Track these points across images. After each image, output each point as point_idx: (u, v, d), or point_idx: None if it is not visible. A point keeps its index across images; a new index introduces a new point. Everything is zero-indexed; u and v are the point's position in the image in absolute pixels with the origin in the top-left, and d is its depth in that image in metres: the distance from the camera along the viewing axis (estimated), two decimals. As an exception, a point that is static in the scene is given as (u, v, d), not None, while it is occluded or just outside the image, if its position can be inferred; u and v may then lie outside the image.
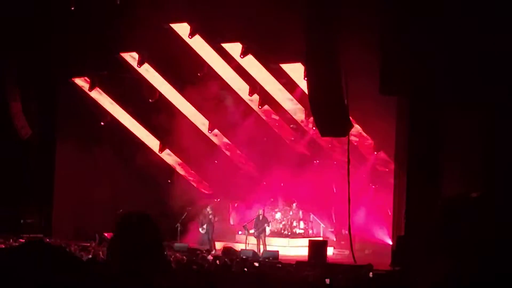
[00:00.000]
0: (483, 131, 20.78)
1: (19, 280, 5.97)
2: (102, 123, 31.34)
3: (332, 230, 30.45)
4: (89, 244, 24.57)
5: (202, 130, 31.43)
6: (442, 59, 21.12)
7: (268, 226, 28.35)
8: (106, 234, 28.22)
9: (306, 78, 23.95)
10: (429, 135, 22.47)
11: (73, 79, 30.31)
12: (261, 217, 27.88)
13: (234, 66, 28.25)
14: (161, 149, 32.27)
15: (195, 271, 18.36)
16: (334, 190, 30.08)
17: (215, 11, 25.61)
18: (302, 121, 29.60)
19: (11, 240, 25.20)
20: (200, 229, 29.18)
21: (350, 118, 23.34)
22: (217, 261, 21.05)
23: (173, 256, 21.95)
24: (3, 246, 23.01)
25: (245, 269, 19.18)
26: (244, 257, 24.45)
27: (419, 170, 22.82)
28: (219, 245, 28.54)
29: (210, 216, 29.14)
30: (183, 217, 30.12)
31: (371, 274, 19.92)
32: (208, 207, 29.54)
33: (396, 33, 21.93)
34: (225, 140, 31.72)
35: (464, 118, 21.20)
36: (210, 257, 22.93)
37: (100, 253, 21.64)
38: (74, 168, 31.00)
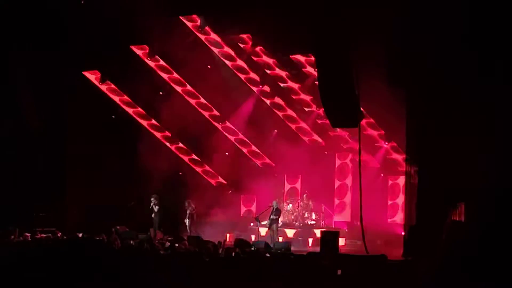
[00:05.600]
0: (494, 121, 20.82)
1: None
2: (113, 116, 31.38)
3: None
4: (102, 238, 24.59)
5: (213, 123, 31.45)
6: (449, 51, 21.24)
7: (280, 217, 28.36)
8: (119, 227, 28.33)
9: (316, 69, 23.96)
10: (438, 124, 22.52)
11: (84, 72, 30.34)
12: (273, 208, 27.89)
13: (244, 57, 28.28)
14: (172, 142, 32.31)
15: (207, 262, 18.46)
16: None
17: (225, 3, 25.62)
18: (313, 112, 29.60)
19: (25, 234, 25.30)
20: (185, 221, 29.63)
21: (361, 108, 23.37)
22: (233, 253, 21.09)
23: (184, 248, 22.03)
24: (21, 239, 23.16)
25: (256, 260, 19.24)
26: (256, 248, 24.49)
27: (430, 160, 22.87)
28: (230, 237, 28.61)
29: (189, 209, 29.79)
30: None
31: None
32: (186, 201, 30.03)
33: (406, 25, 22.02)
34: (237, 132, 31.72)
35: (473, 109, 21.26)
36: (221, 249, 22.97)
37: (118, 246, 21.75)
38: (86, 161, 31.08)
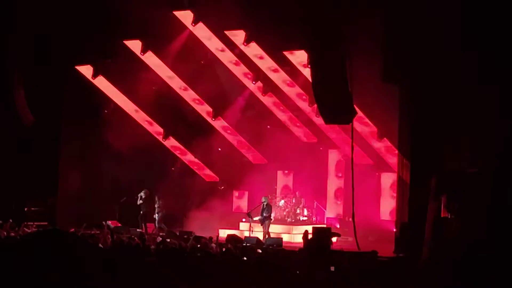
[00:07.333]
0: (484, 117, 20.87)
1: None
2: (105, 111, 31.35)
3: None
4: (94, 232, 24.60)
5: (206, 118, 31.42)
6: (441, 48, 21.28)
7: (272, 213, 28.36)
8: (110, 222, 28.33)
9: (309, 66, 23.96)
10: (431, 122, 22.55)
11: (76, 66, 30.28)
12: (264, 204, 27.89)
13: (237, 53, 28.25)
14: (165, 137, 32.27)
15: (199, 258, 18.45)
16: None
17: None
18: (305, 109, 29.58)
19: (17, 229, 25.23)
20: (154, 216, 30.03)
21: (354, 105, 23.37)
22: (223, 249, 21.09)
23: (177, 244, 22.00)
24: (13, 234, 23.06)
25: (248, 256, 19.23)
26: (248, 244, 24.49)
27: (422, 157, 22.89)
28: (223, 233, 28.58)
29: (158, 203, 30.18)
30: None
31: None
32: (156, 195, 30.38)
33: (399, 23, 22.04)
34: (229, 127, 31.70)
35: (465, 104, 21.29)
36: (213, 245, 22.96)
37: (109, 241, 21.72)
38: (78, 156, 31.05)
